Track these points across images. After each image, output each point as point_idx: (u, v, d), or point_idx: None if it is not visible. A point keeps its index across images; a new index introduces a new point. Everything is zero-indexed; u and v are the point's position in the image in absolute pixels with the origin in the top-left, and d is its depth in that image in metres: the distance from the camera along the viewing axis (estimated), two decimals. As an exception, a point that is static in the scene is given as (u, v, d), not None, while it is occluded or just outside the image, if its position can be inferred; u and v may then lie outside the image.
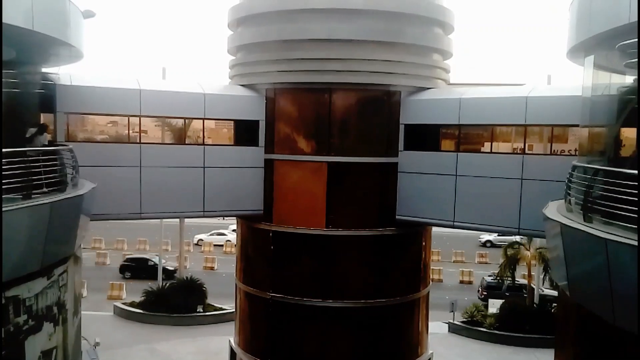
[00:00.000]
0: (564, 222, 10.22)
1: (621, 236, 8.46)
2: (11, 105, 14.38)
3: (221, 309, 31.12)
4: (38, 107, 15.53)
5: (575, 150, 14.77)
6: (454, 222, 16.96)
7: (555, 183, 13.35)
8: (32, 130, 13.62)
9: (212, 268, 44.12)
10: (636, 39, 9.16)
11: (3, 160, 10.07)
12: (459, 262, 47.33)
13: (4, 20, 9.59)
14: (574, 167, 11.59)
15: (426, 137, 17.43)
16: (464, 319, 30.26)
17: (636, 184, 8.58)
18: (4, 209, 9.32)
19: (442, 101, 17.22)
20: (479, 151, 17.01)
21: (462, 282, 42.22)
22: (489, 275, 37.75)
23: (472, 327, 29.37)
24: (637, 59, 10.26)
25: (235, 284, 19.90)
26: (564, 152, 15.57)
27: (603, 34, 10.66)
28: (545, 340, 25.29)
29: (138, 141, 16.80)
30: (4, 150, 9.86)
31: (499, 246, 49.71)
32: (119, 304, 32.21)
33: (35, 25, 11.04)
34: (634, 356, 8.76)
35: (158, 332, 28.47)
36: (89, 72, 17.53)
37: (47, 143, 13.62)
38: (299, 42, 16.94)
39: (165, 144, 17.62)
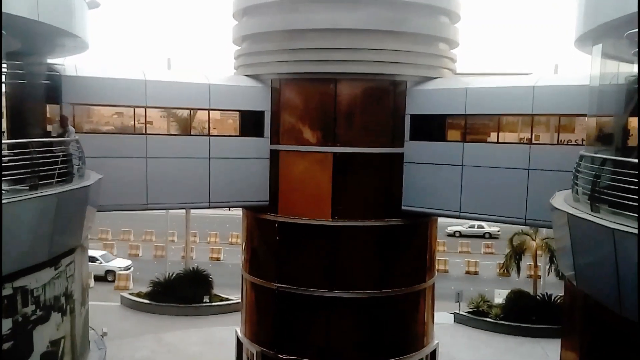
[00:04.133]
0: (571, 212, 10.16)
1: (628, 226, 8.41)
2: (17, 96, 14.43)
3: (227, 299, 31.27)
4: (44, 98, 15.55)
5: (583, 140, 14.69)
6: (460, 212, 16.92)
7: (562, 173, 13.27)
8: (56, 126, 13.62)
9: (218, 259, 44.32)
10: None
11: (10, 152, 10.11)
12: (464, 253, 47.32)
13: (9, 11, 9.59)
14: (581, 157, 11.52)
15: (432, 127, 17.35)
16: (470, 310, 30.25)
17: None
18: (11, 200, 9.37)
19: (448, 91, 17.13)
20: (485, 141, 16.91)
21: (467, 272, 42.22)
22: None
23: (477, 317, 29.37)
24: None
25: (241, 275, 19.96)
26: (571, 142, 15.48)
27: (611, 23, 10.55)
28: (551, 330, 25.30)
29: (144, 132, 16.82)
30: (11, 141, 9.90)
31: (468, 236, 51.57)
32: (125, 294, 32.42)
33: (41, 15, 11.02)
34: (641, 346, 8.74)
35: (165, 322, 28.63)
36: (95, 63, 17.48)
37: (75, 136, 13.61)
38: (304, 32, 16.85)
39: (171, 135, 17.64)
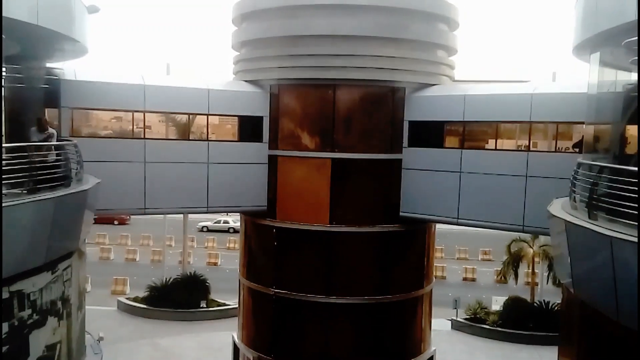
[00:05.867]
0: (568, 220, 10.17)
1: (626, 234, 8.42)
2: (16, 100, 14.42)
3: (224, 304, 31.22)
4: (42, 102, 15.55)
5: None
6: (458, 219, 16.93)
7: (560, 180, 13.29)
8: (34, 130, 13.52)
9: (215, 264, 44.25)
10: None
11: (8, 155, 10.09)
12: (462, 259, 47.28)
13: (9, 15, 9.61)
14: (579, 165, 11.55)
15: (430, 133, 17.37)
16: (467, 316, 30.25)
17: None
18: (9, 204, 9.35)
19: (446, 98, 17.16)
20: (483, 148, 16.94)
21: (465, 279, 42.19)
22: None
23: (475, 324, 29.37)
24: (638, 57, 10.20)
25: (239, 280, 19.93)
26: (569, 149, 15.52)
27: (609, 31, 10.60)
28: (548, 337, 25.28)
29: (142, 137, 16.82)
30: (9, 145, 9.88)
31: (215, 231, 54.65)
32: (122, 299, 32.34)
33: (40, 20, 11.04)
34: (638, 353, 8.73)
35: (161, 327, 28.57)
36: (94, 68, 17.50)
37: (56, 138, 13.43)
38: (303, 38, 16.90)
39: (169, 140, 17.64)
